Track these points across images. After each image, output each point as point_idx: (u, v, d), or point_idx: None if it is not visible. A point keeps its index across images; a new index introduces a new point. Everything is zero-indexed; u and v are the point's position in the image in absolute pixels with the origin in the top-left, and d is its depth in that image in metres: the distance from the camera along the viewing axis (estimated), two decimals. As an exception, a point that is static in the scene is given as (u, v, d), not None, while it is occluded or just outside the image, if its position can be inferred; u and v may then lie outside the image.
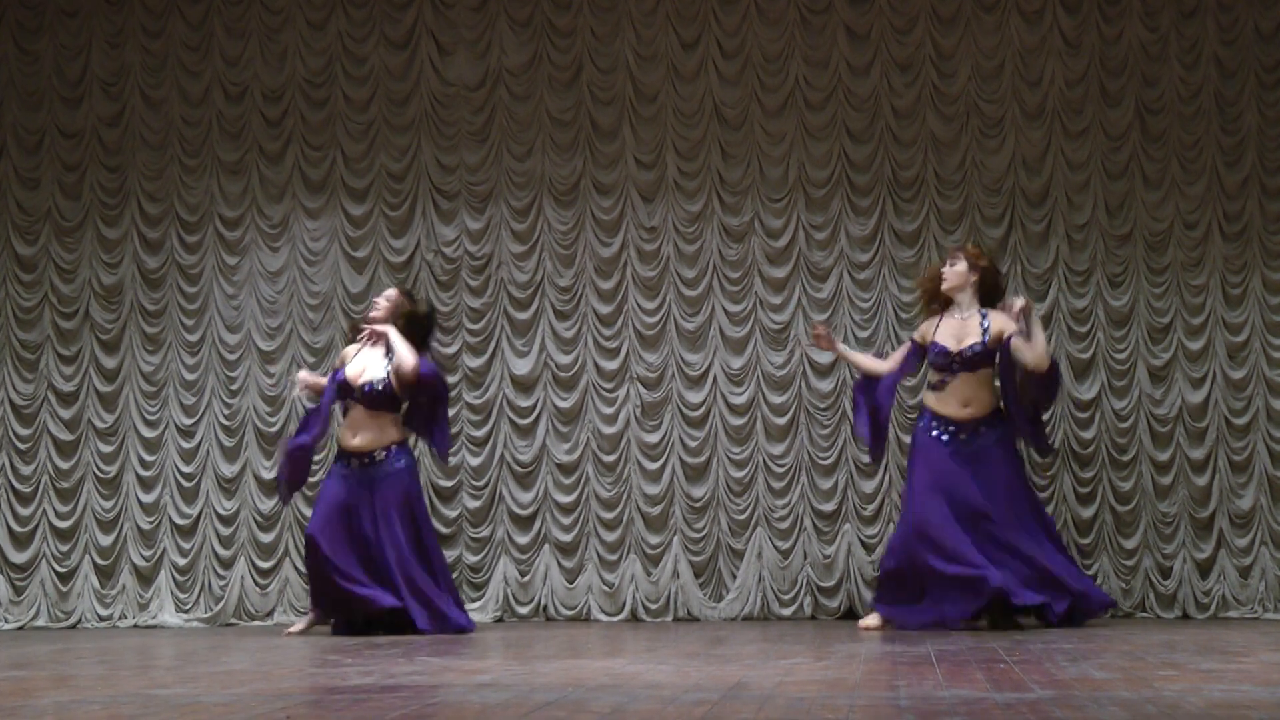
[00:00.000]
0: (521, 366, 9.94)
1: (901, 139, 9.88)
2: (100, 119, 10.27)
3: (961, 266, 8.83)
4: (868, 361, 9.07)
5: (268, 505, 9.87)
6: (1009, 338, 8.68)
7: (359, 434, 8.78)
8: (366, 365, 8.83)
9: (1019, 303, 8.71)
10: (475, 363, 9.91)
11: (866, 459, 9.34)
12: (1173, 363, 9.62)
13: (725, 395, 9.84)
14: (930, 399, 8.81)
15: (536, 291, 9.99)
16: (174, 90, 10.25)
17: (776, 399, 9.79)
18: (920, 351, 8.89)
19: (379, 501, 8.70)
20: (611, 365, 9.91)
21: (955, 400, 8.71)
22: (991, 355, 8.70)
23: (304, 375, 9.13)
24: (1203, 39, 9.75)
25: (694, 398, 9.85)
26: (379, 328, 8.80)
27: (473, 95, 10.13)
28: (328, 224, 10.12)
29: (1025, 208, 9.77)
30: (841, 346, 9.14)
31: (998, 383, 8.79)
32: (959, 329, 8.76)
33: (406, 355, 8.70)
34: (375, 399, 8.77)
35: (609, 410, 9.88)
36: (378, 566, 8.62)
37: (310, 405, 9.14)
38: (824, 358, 9.70)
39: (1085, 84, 9.81)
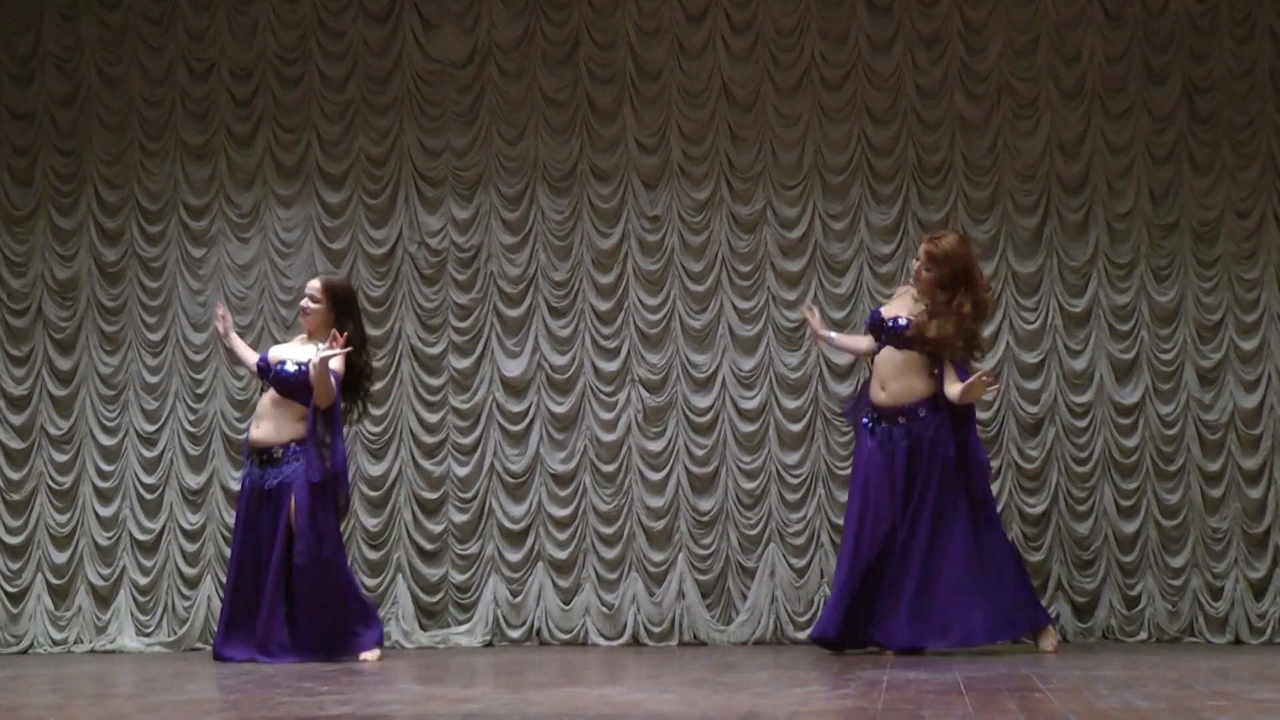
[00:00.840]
0: (513, 368, 9.93)
1: (927, 120, 9.87)
2: (53, 98, 10.27)
3: (931, 272, 8.76)
4: (852, 341, 9.19)
5: (236, 519, 9.85)
6: (929, 339, 8.60)
7: (260, 424, 8.81)
8: (293, 354, 8.83)
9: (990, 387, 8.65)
10: (462, 364, 9.90)
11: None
12: (1224, 364, 9.61)
13: (735, 399, 9.83)
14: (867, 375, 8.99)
15: (529, 286, 9.99)
16: (134, 67, 10.25)
17: (791, 404, 9.79)
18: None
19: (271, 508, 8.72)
20: (611, 367, 9.91)
21: (876, 380, 8.75)
22: (915, 342, 8.64)
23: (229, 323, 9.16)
24: (1257, 10, 9.75)
25: (701, 402, 9.85)
26: (332, 354, 8.62)
27: (460, 73, 10.13)
28: (302, 213, 10.11)
29: (1062, 195, 9.76)
30: (825, 331, 9.18)
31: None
32: (899, 305, 8.83)
33: (326, 393, 8.62)
34: (286, 384, 8.72)
35: (608, 416, 9.88)
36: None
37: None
38: (841, 359, 9.69)
39: (1127, 60, 9.80)
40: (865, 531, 8.57)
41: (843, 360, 9.70)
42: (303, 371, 8.65)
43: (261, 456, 8.73)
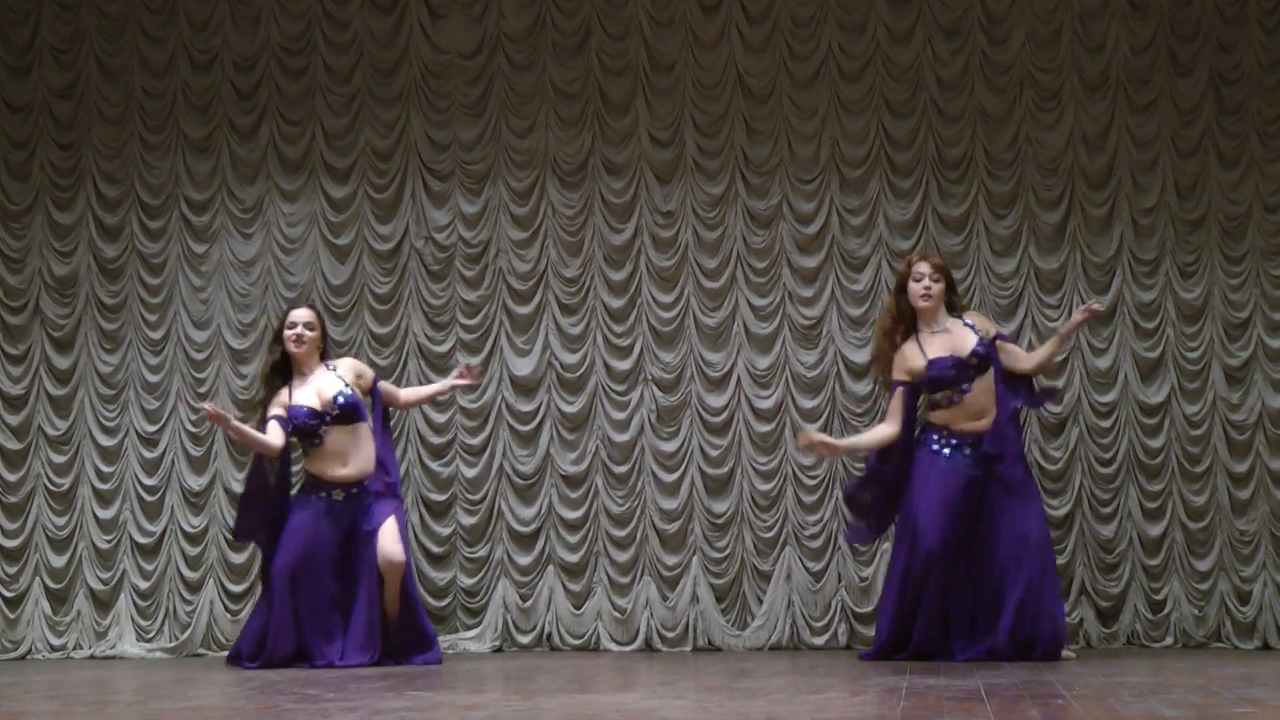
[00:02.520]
0: (523, 367, 9.96)
1: (947, 113, 9.89)
2: (51, 90, 10.31)
3: (943, 285, 8.81)
4: (877, 436, 8.87)
5: (239, 522, 9.89)
6: (995, 337, 8.80)
7: (348, 461, 8.96)
8: (321, 387, 8.98)
9: (1096, 306, 8.92)
10: (471, 362, 9.92)
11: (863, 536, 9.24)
12: (1251, 362, 9.63)
13: (750, 399, 9.86)
14: (940, 417, 8.75)
15: (539, 283, 10.02)
16: (134, 58, 10.29)
17: (807, 403, 9.81)
18: (915, 389, 8.81)
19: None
20: (623, 365, 9.94)
21: (971, 413, 8.69)
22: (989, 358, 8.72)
23: (222, 411, 8.90)
24: (1285, 0, 9.78)
25: (715, 401, 9.88)
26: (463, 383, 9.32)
27: (468, 64, 10.16)
28: (306, 208, 10.15)
29: (1086, 190, 9.78)
30: (840, 441, 9.05)
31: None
32: (949, 341, 8.75)
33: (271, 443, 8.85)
34: (356, 411, 8.99)
35: (620, 416, 9.91)
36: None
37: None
38: (860, 356, 9.72)
39: (1153, 51, 9.82)
40: (936, 548, 8.53)
41: (860, 359, 9.73)
42: (353, 395, 8.96)
43: (349, 490, 8.92)
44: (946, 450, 8.66)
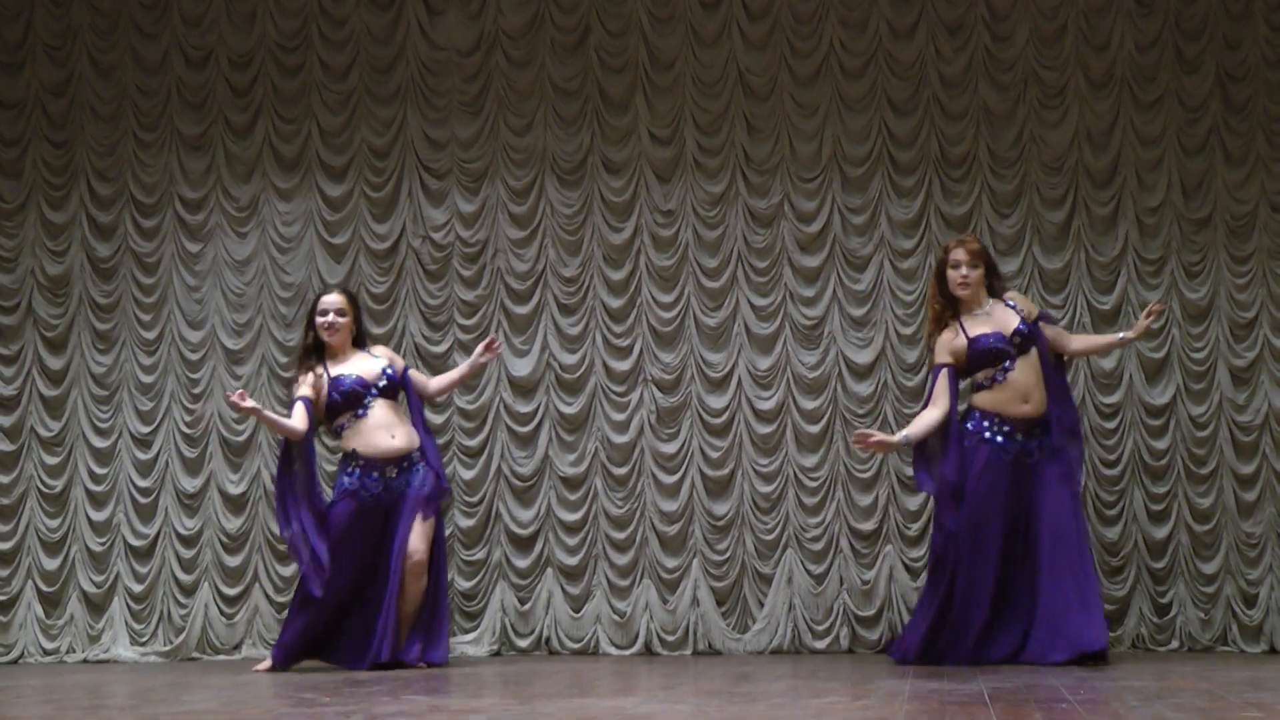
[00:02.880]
0: (521, 367, 9.95)
1: (950, 111, 9.88)
2: (44, 87, 10.29)
3: (981, 271, 8.80)
4: (925, 422, 8.75)
5: (234, 524, 9.88)
6: (1039, 317, 8.80)
7: (394, 433, 8.86)
8: (362, 370, 8.92)
9: (1158, 307, 8.95)
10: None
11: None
12: (1258, 363, 9.61)
13: (751, 400, 9.84)
14: (983, 399, 8.71)
15: (538, 283, 10.00)
16: (128, 55, 10.28)
17: (809, 404, 9.80)
18: (958, 372, 8.78)
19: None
20: (623, 366, 9.92)
21: (1016, 395, 8.62)
22: (1034, 338, 8.69)
23: (251, 402, 8.73)
24: (1292, -4, 9.76)
25: (716, 403, 9.86)
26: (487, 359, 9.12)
27: (465, 61, 10.14)
28: (302, 206, 10.13)
29: (1090, 188, 9.77)
30: (893, 436, 8.85)
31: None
32: (990, 324, 8.71)
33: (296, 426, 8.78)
34: (398, 386, 8.97)
35: (620, 417, 9.89)
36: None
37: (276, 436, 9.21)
38: (862, 357, 9.71)
39: (1158, 48, 9.80)
40: (988, 545, 8.50)
41: (863, 359, 9.71)
42: (395, 374, 8.95)
43: (400, 464, 8.84)
44: (1000, 438, 8.58)
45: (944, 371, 8.74)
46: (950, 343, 8.75)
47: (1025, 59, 9.85)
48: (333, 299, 8.97)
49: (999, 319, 8.71)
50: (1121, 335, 9.03)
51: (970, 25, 9.90)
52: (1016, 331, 8.64)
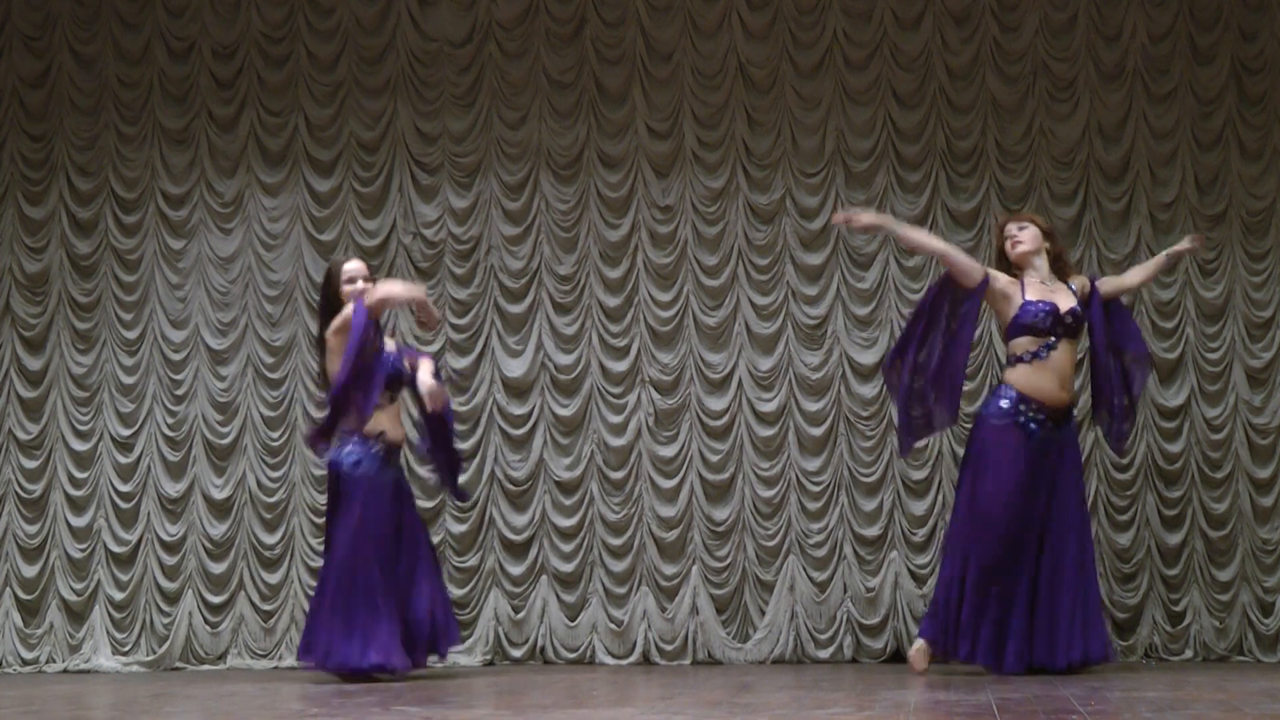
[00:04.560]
0: (515, 368, 9.97)
1: (957, 103, 9.90)
2: (22, 78, 10.31)
3: (1034, 230, 8.65)
4: (929, 241, 8.75)
5: (219, 530, 9.90)
6: (1091, 288, 8.61)
7: (399, 421, 8.83)
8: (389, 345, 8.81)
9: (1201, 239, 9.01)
10: (461, 363, 9.93)
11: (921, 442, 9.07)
12: (1275, 363, 9.64)
13: (752, 402, 9.86)
14: (1019, 375, 8.47)
15: (532, 281, 10.02)
16: (108, 46, 10.29)
17: (811, 406, 9.82)
18: (984, 290, 8.50)
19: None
20: (620, 367, 9.94)
21: (1054, 378, 8.42)
22: (1083, 326, 8.60)
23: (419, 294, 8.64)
24: (1310, -14, 9.79)
25: (716, 405, 9.88)
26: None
27: (458, 52, 10.16)
28: (288, 202, 10.15)
29: (1102, 183, 9.79)
30: (884, 218, 8.80)
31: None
32: (1047, 294, 8.52)
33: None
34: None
35: (616, 419, 9.91)
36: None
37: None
38: (867, 357, 9.73)
39: (1172, 39, 9.83)
40: (1010, 535, 8.41)
41: (867, 360, 9.73)
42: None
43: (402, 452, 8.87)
44: (1033, 425, 8.37)
45: (982, 272, 8.52)
46: (1006, 284, 8.54)
47: (1035, 50, 9.88)
48: (357, 265, 8.69)
49: (1058, 295, 8.49)
50: (1167, 252, 8.97)
51: (978, 15, 9.92)
52: (1070, 311, 8.45)
